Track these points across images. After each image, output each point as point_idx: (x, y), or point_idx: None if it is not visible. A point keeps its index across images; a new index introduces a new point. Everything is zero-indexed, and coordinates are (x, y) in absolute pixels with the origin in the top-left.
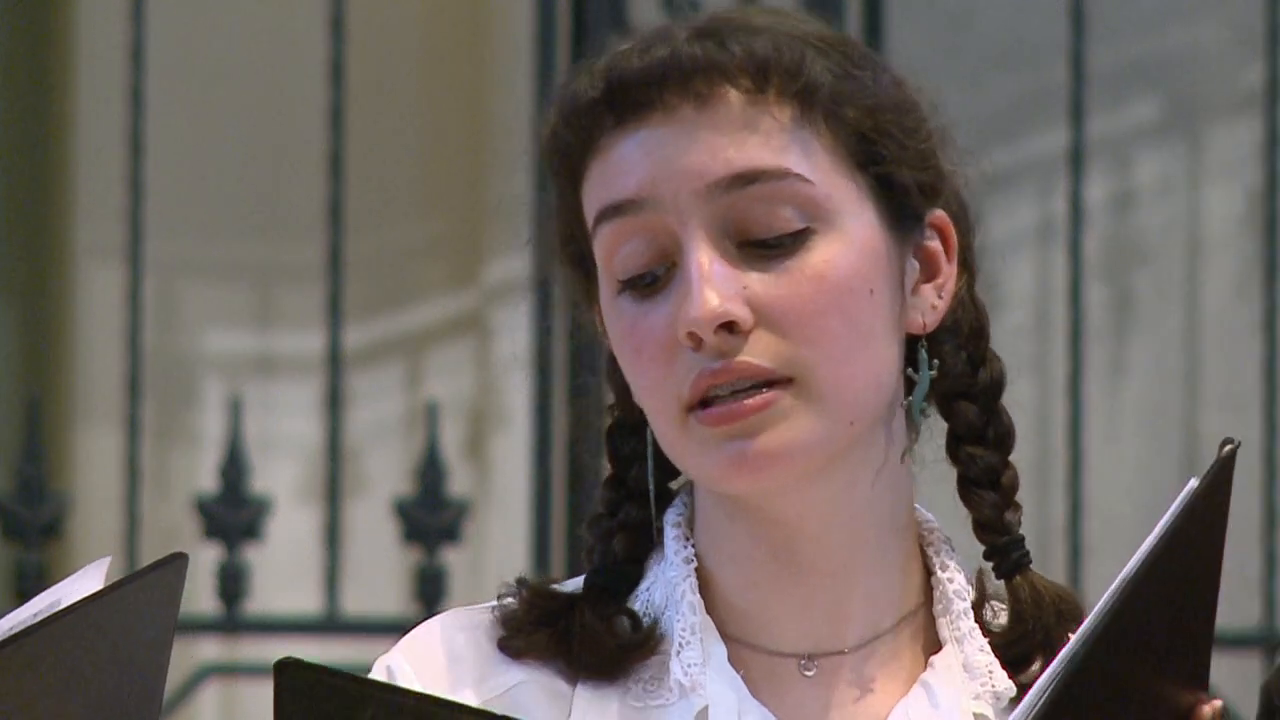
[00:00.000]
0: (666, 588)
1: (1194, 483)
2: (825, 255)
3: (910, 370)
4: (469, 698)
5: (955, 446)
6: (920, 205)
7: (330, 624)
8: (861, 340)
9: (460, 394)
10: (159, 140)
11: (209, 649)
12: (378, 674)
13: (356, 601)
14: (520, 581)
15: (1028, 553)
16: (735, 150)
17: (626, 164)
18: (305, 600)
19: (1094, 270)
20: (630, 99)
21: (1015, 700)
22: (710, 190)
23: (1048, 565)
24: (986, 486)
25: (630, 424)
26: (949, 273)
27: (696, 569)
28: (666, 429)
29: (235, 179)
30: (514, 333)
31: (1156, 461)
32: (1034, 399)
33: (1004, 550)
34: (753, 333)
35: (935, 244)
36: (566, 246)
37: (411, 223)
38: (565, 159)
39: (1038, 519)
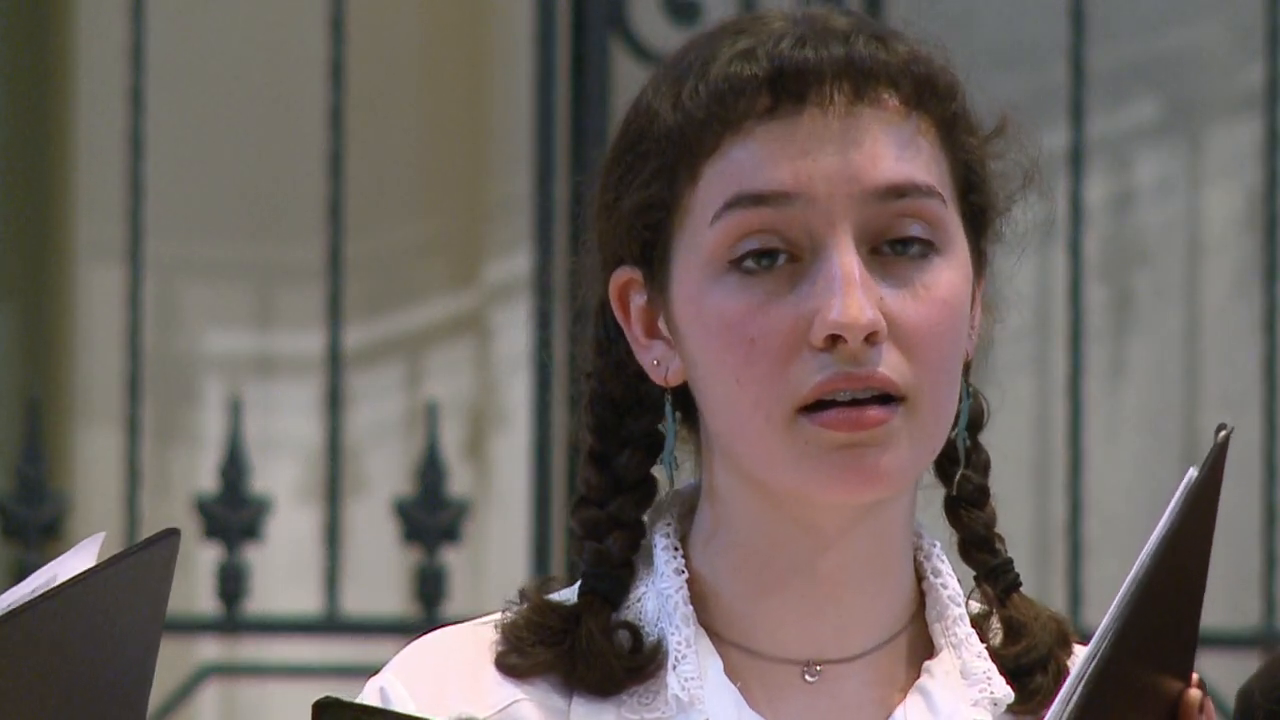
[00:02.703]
0: (659, 599)
1: (1193, 472)
2: (947, 279)
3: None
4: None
5: (948, 467)
6: (993, 243)
7: (330, 624)
8: (956, 367)
9: (460, 394)
10: (159, 140)
11: (209, 649)
12: (369, 696)
13: (356, 601)
14: (522, 594)
15: (1018, 575)
16: (894, 160)
17: (782, 154)
18: (305, 600)
19: (1094, 270)
20: (794, 88)
21: (1015, 707)
22: (865, 196)
23: (1048, 565)
24: (979, 506)
25: (619, 403)
26: (977, 310)
27: (689, 579)
28: (763, 428)
29: (235, 179)
30: (514, 333)
31: (1156, 461)
32: (1034, 399)
33: (998, 571)
34: (884, 345)
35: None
36: (646, 213)
37: (411, 223)
38: (689, 133)
39: (1038, 519)
